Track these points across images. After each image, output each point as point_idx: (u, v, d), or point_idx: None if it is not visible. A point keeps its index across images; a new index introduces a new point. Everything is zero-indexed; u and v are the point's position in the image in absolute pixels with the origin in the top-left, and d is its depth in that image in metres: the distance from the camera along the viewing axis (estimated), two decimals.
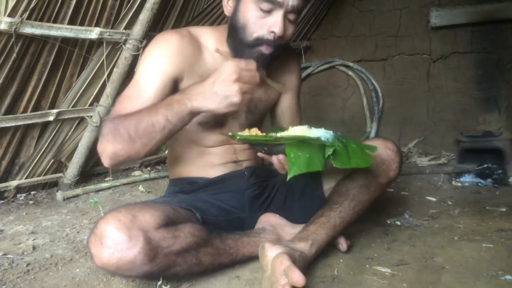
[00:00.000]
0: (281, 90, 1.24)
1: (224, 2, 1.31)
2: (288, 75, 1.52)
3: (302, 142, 1.09)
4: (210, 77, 1.10)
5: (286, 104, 1.55)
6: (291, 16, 1.24)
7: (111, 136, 1.13)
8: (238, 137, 1.14)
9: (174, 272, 1.09)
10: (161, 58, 1.25)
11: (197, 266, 1.13)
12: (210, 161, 1.40)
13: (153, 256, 1.02)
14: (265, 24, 1.22)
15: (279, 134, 1.14)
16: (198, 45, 1.33)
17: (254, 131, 1.18)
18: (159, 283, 1.12)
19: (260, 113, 1.48)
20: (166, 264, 1.06)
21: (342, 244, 1.34)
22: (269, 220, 1.36)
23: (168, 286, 1.14)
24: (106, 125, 1.17)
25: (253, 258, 1.24)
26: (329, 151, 1.08)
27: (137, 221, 1.02)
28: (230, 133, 1.18)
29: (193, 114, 1.12)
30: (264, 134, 1.17)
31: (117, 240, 0.99)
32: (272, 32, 1.22)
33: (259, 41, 1.24)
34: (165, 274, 1.09)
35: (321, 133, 1.12)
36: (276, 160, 1.20)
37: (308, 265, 1.19)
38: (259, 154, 1.21)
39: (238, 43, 1.27)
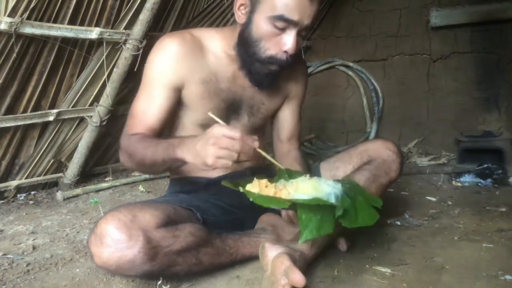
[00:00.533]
0: (276, 166, 1.21)
1: (235, 8, 1.28)
2: (294, 83, 1.51)
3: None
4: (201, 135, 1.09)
5: (288, 111, 1.55)
6: (303, 32, 1.24)
7: (127, 156, 1.25)
8: (252, 198, 1.08)
9: (174, 272, 1.09)
10: (162, 69, 1.28)
11: (197, 266, 1.13)
12: None
13: (153, 255, 1.03)
14: (278, 42, 1.22)
15: (289, 187, 1.11)
16: (201, 48, 1.32)
17: (264, 183, 1.12)
18: (159, 282, 1.12)
19: (262, 116, 1.47)
20: (166, 264, 1.06)
21: (343, 244, 1.34)
22: (269, 220, 1.36)
23: (168, 286, 1.14)
24: (124, 140, 1.28)
25: (253, 258, 1.24)
26: (339, 212, 1.06)
27: (137, 220, 1.03)
28: (241, 189, 1.11)
29: (181, 161, 1.13)
30: (273, 184, 1.13)
31: (117, 240, 1.00)
32: (285, 51, 1.22)
33: (272, 60, 1.24)
34: (165, 274, 1.09)
35: (330, 187, 1.11)
36: (285, 214, 1.22)
37: (308, 265, 1.19)
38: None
39: (248, 56, 1.27)
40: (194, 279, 1.18)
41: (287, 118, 1.55)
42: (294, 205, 1.08)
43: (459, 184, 2.30)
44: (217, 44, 1.34)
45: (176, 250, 1.07)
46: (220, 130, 1.03)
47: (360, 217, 1.11)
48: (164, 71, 1.28)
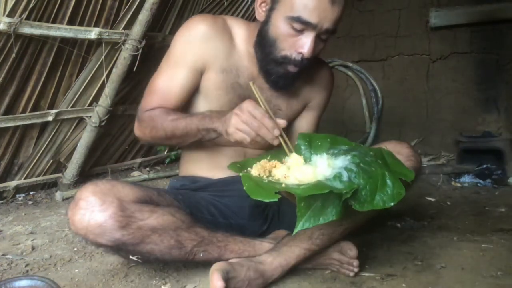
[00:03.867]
0: (290, 153, 1.10)
1: (257, 5, 1.24)
2: (317, 92, 1.44)
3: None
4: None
5: (305, 121, 1.46)
6: (324, 36, 1.21)
7: (148, 130, 1.25)
8: (244, 186, 0.98)
9: (150, 250, 1.08)
10: (187, 47, 1.26)
11: (178, 250, 1.11)
12: (219, 162, 1.35)
13: (125, 224, 1.03)
14: (294, 44, 1.19)
15: (288, 171, 1.04)
16: (229, 37, 1.30)
17: (269, 166, 1.08)
18: (159, 283, 1.12)
19: None
20: (139, 237, 1.06)
21: (351, 248, 1.21)
22: (278, 233, 1.32)
23: (168, 285, 1.13)
24: (144, 114, 1.27)
25: (246, 257, 1.18)
26: (347, 195, 0.95)
27: (115, 190, 1.06)
28: (240, 174, 1.05)
29: (216, 132, 1.16)
30: (273, 163, 1.08)
31: (91, 203, 1.02)
32: (300, 53, 1.19)
33: (286, 60, 1.21)
34: (141, 252, 1.08)
35: (341, 162, 1.02)
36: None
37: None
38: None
39: (265, 55, 1.24)
40: (198, 280, 1.17)
41: (302, 128, 1.44)
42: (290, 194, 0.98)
43: (459, 185, 2.30)
44: (242, 39, 1.31)
45: (152, 225, 1.07)
46: (248, 105, 1.06)
47: (378, 197, 0.98)
48: (189, 50, 1.26)
